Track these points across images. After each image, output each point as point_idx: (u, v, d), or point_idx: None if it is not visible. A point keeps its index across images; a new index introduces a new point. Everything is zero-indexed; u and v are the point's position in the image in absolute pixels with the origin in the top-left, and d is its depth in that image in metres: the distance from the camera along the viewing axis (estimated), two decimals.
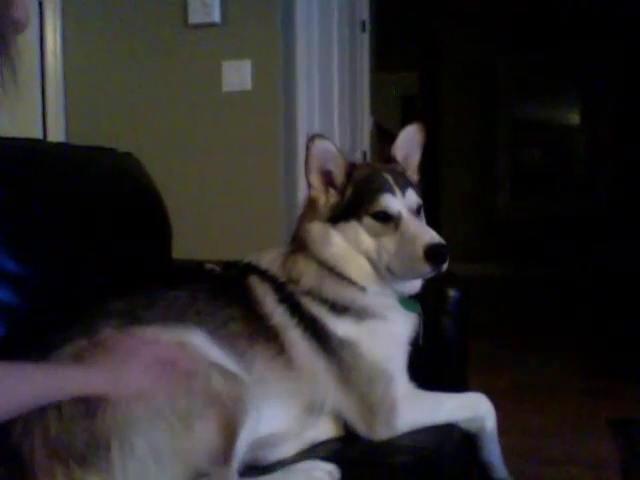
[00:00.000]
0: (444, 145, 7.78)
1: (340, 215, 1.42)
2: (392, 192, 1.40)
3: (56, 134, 3.47)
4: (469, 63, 7.90)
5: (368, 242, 1.40)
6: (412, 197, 1.43)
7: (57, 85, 3.49)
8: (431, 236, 1.34)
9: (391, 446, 1.36)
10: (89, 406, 1.05)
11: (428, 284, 1.50)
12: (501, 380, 3.49)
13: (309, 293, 1.41)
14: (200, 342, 1.21)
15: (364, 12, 4.35)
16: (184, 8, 3.29)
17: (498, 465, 1.53)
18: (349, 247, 1.41)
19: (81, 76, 3.51)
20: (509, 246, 7.57)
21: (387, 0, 5.15)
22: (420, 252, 1.32)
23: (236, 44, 3.26)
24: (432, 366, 1.58)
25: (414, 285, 1.48)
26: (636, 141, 7.11)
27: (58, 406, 1.04)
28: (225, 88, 3.28)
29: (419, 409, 1.42)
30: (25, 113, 3.49)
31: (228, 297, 1.40)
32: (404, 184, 1.44)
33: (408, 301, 1.48)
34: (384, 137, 5.90)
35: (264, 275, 1.45)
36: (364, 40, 4.36)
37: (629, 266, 6.48)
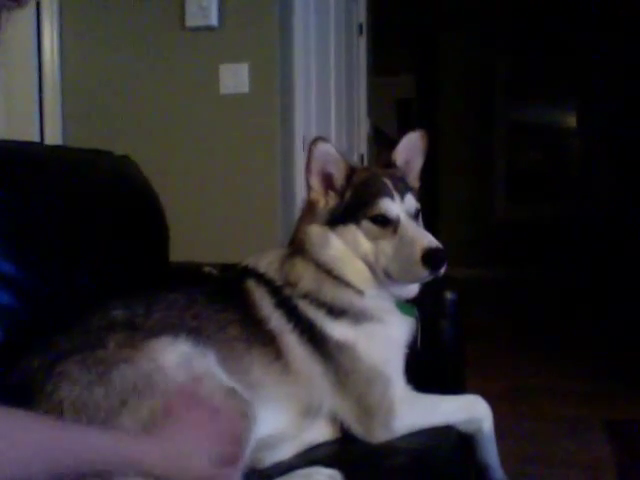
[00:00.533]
0: (441, 148, 7.79)
1: (339, 218, 1.42)
2: (391, 196, 1.41)
3: (53, 137, 3.47)
4: (466, 66, 7.93)
5: (366, 245, 1.40)
6: (411, 202, 1.44)
7: (54, 88, 3.48)
8: (429, 240, 1.34)
9: (388, 448, 1.36)
10: None
11: (425, 287, 1.50)
12: (498, 383, 3.50)
13: (306, 296, 1.41)
14: (215, 370, 1.20)
15: (361, 15, 4.36)
16: (182, 11, 3.29)
17: (495, 467, 1.53)
18: (347, 250, 1.41)
19: (78, 79, 3.50)
20: (506, 249, 7.58)
21: (384, 3, 5.16)
22: (418, 256, 1.33)
23: (233, 47, 3.26)
24: (429, 369, 1.58)
25: (411, 289, 1.48)
26: (633, 144, 7.13)
27: None
28: (222, 91, 3.28)
29: (416, 411, 1.42)
30: (22, 116, 3.49)
31: (225, 301, 1.40)
32: (403, 189, 1.44)
33: (405, 305, 1.48)
34: (381, 140, 5.91)
35: (261, 278, 1.45)
36: (361, 43, 4.37)
37: (626, 268, 6.49)
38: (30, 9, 3.44)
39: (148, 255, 1.80)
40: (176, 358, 1.16)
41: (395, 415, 1.37)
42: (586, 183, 7.66)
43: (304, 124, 3.44)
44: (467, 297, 1.76)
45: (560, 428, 2.94)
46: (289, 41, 3.32)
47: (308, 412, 1.37)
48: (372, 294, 1.43)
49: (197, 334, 1.28)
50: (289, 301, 1.41)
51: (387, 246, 1.39)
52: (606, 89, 7.37)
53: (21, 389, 1.13)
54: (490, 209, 7.96)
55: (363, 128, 4.41)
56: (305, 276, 1.42)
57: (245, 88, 3.25)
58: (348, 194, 1.43)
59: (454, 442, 1.45)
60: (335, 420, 1.40)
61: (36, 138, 3.44)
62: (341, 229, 1.42)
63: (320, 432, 1.40)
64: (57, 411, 1.07)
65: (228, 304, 1.39)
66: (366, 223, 1.40)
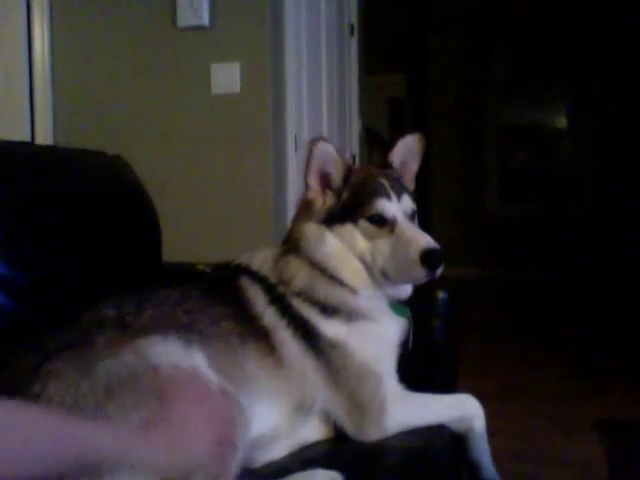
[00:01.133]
0: (432, 147, 7.81)
1: (335, 217, 1.43)
2: (388, 196, 1.42)
3: (44, 137, 3.46)
4: (458, 66, 7.94)
5: (363, 245, 1.41)
6: (407, 202, 1.46)
7: (45, 88, 3.47)
8: (427, 240, 1.36)
9: (381, 447, 1.36)
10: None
11: (417, 286, 1.51)
12: (490, 382, 3.51)
13: (300, 294, 1.41)
14: (201, 365, 1.20)
15: (352, 16, 4.36)
16: (173, 11, 3.29)
17: (487, 465, 1.53)
18: (343, 249, 1.42)
19: (69, 79, 3.49)
20: (498, 248, 7.61)
21: (375, 4, 5.16)
22: (416, 256, 1.34)
23: (225, 47, 3.26)
24: (422, 368, 1.58)
25: (405, 290, 1.50)
26: (623, 144, 7.16)
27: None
28: (214, 91, 3.28)
29: (408, 410, 1.42)
30: (13, 116, 3.48)
31: (219, 297, 1.40)
32: (400, 189, 1.46)
33: (398, 306, 1.49)
34: (372, 139, 5.92)
35: (255, 276, 1.45)
36: (352, 44, 4.38)
37: (616, 267, 6.52)
38: (20, 8, 3.43)
39: (141, 255, 1.79)
40: (163, 353, 1.17)
41: (387, 413, 1.38)
42: (577, 182, 7.69)
43: (296, 123, 3.44)
44: (459, 296, 1.77)
45: (552, 427, 2.95)
46: (280, 41, 3.32)
47: (301, 408, 1.37)
48: (366, 293, 1.43)
49: (189, 330, 1.28)
50: (283, 298, 1.41)
51: (384, 245, 1.40)
52: (597, 90, 7.39)
53: (10, 388, 1.13)
54: (481, 208, 7.98)
55: (355, 127, 4.41)
56: (299, 274, 1.43)
57: (236, 88, 3.25)
58: (345, 194, 1.44)
59: (446, 441, 1.46)
60: (328, 419, 1.40)
61: (27, 138, 3.43)
62: (338, 228, 1.43)
63: (313, 431, 1.41)
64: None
65: (221, 301, 1.39)
66: (363, 222, 1.41)
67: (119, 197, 1.78)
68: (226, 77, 3.25)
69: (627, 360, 4.01)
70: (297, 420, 1.37)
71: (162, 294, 1.37)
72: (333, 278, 1.42)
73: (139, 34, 3.38)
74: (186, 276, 1.62)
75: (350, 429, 1.38)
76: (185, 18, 3.26)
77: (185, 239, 2.93)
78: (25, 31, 3.46)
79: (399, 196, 1.44)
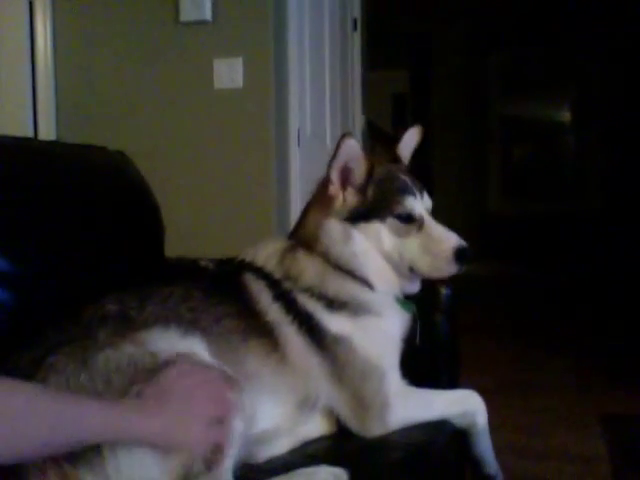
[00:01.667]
0: (434, 143, 7.79)
1: (360, 215, 1.43)
2: (414, 194, 1.44)
3: (47, 132, 3.46)
4: (461, 61, 7.92)
5: (390, 242, 1.42)
6: (427, 199, 1.49)
7: (48, 83, 3.48)
8: (457, 238, 1.41)
9: (383, 443, 1.36)
10: None
11: (421, 282, 1.51)
12: (492, 377, 3.50)
13: (307, 290, 1.41)
14: (200, 351, 1.21)
15: (355, 10, 4.35)
16: (175, 6, 3.29)
17: (489, 461, 1.53)
18: (370, 247, 1.43)
19: (72, 74, 3.49)
20: (499, 244, 7.59)
21: None
22: (450, 254, 1.39)
23: (227, 42, 3.26)
24: (424, 363, 1.58)
25: (417, 285, 1.50)
26: (626, 139, 7.14)
27: None
28: (217, 85, 3.28)
29: (411, 405, 1.42)
30: (16, 111, 3.48)
31: (222, 294, 1.39)
32: (420, 186, 1.49)
33: (404, 301, 1.49)
34: (375, 135, 5.90)
35: (259, 272, 1.44)
36: (355, 38, 4.37)
37: (619, 263, 6.51)
38: (23, 3, 3.43)
39: (143, 250, 1.79)
40: (160, 341, 1.17)
41: (389, 409, 1.38)
42: (580, 178, 7.67)
43: (299, 118, 3.43)
44: (461, 292, 1.77)
45: (554, 422, 2.95)
46: (283, 35, 3.32)
47: (304, 405, 1.37)
48: (383, 290, 1.44)
49: (192, 326, 1.28)
50: (288, 294, 1.41)
51: (413, 243, 1.42)
52: (601, 84, 7.38)
53: None
54: (483, 204, 7.96)
55: (357, 122, 4.41)
56: (308, 270, 1.43)
57: (239, 82, 3.25)
58: (370, 191, 1.43)
59: (449, 436, 1.46)
60: (331, 415, 1.40)
61: (30, 133, 3.43)
62: (364, 226, 1.42)
63: (316, 427, 1.41)
64: None
65: (225, 297, 1.39)
66: (391, 220, 1.42)
67: (121, 192, 1.78)
68: (229, 72, 3.25)
69: (631, 356, 4.00)
70: (300, 416, 1.37)
71: (165, 291, 1.37)
72: (346, 273, 1.42)
73: (141, 28, 3.38)
74: (189, 272, 1.62)
75: (353, 425, 1.38)
76: (188, 13, 3.26)
77: (187, 235, 2.93)
78: (27, 26, 3.46)
79: (422, 193, 1.47)
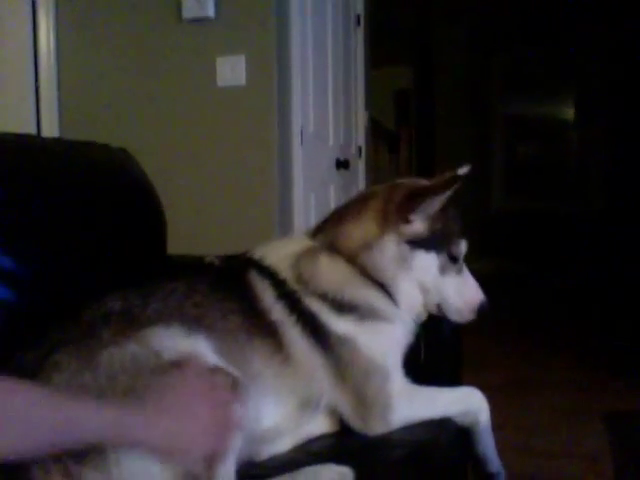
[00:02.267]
0: (438, 140, 7.79)
1: (422, 243, 1.43)
2: (466, 238, 1.49)
3: (50, 130, 3.46)
4: (464, 58, 7.90)
5: (434, 277, 1.45)
6: (466, 246, 1.51)
7: (51, 81, 3.48)
8: (481, 292, 1.50)
9: (386, 441, 1.36)
10: None
11: None
12: (495, 375, 3.51)
13: (318, 293, 1.39)
14: (204, 351, 1.21)
15: (359, 6, 4.35)
16: (178, 3, 3.29)
17: (492, 458, 1.53)
18: (414, 276, 1.44)
19: (75, 72, 3.50)
20: (503, 242, 7.59)
21: None
22: (476, 305, 1.49)
23: (230, 39, 3.26)
24: (427, 361, 1.58)
25: (425, 315, 1.52)
26: (629, 137, 7.13)
27: None
28: (219, 83, 3.28)
29: (413, 404, 1.42)
30: (19, 109, 3.49)
31: (227, 291, 1.39)
32: (464, 231, 1.52)
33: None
34: (379, 132, 5.91)
35: (265, 271, 1.43)
36: (359, 35, 4.36)
37: (622, 261, 6.50)
38: (26, 2, 3.44)
39: (146, 248, 1.80)
40: (164, 340, 1.17)
41: (392, 408, 1.37)
42: (583, 176, 7.66)
43: (301, 116, 3.43)
44: None
45: (558, 420, 2.95)
46: (286, 32, 3.31)
47: (307, 405, 1.37)
48: (405, 312, 1.46)
49: (197, 323, 1.27)
50: (293, 294, 1.40)
51: (452, 284, 1.47)
52: (604, 82, 7.36)
53: None
54: (487, 201, 7.96)
55: (361, 120, 4.40)
56: (329, 276, 1.41)
57: (242, 80, 3.25)
58: (439, 224, 1.44)
59: (451, 434, 1.46)
60: (334, 413, 1.40)
61: (33, 131, 3.44)
62: (421, 255, 1.43)
63: (318, 425, 1.41)
64: None
65: (230, 294, 1.38)
66: (444, 257, 1.45)
67: (124, 190, 1.78)
68: (232, 69, 3.25)
69: (634, 353, 4.00)
70: (303, 416, 1.37)
71: (168, 287, 1.36)
72: (374, 282, 1.43)
73: (144, 26, 3.38)
74: (194, 268, 1.61)
75: (355, 423, 1.38)
76: (190, 10, 3.26)
77: (189, 233, 2.94)
78: (30, 24, 3.46)
79: (465, 238, 1.50)
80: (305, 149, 3.43)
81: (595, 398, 3.21)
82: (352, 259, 1.43)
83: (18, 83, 3.50)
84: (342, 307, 1.39)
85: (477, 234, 7.66)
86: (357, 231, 1.46)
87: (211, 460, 1.07)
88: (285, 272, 1.42)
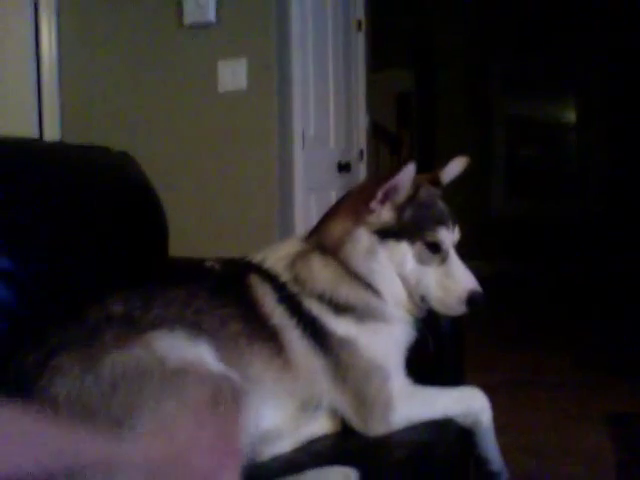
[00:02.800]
0: (439, 143, 7.79)
1: (391, 233, 1.41)
2: (447, 226, 1.43)
3: (52, 133, 3.47)
4: (465, 61, 7.90)
5: (412, 267, 1.41)
6: (457, 233, 1.48)
7: (52, 84, 3.49)
8: (474, 282, 1.41)
9: (387, 441, 1.36)
10: None
11: None
12: (497, 375, 3.51)
13: (316, 294, 1.40)
14: (207, 357, 1.21)
15: (359, 11, 4.35)
16: (179, 8, 3.30)
17: (494, 458, 1.53)
18: (391, 267, 1.42)
19: (76, 76, 3.51)
20: (504, 244, 7.58)
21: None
22: (463, 295, 1.39)
23: (231, 43, 3.27)
24: (429, 361, 1.58)
25: (424, 311, 1.50)
26: (630, 140, 7.12)
27: None
28: (220, 87, 3.29)
29: (414, 404, 1.42)
30: (21, 113, 3.50)
31: (228, 296, 1.39)
32: (454, 218, 1.48)
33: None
34: (380, 135, 5.91)
35: (265, 274, 1.44)
36: (359, 39, 4.36)
37: (624, 263, 6.50)
38: (28, 5, 3.45)
39: (147, 251, 1.80)
40: (168, 346, 1.17)
41: (393, 408, 1.38)
42: (584, 178, 7.65)
43: (302, 119, 3.43)
44: None
45: (559, 420, 2.95)
46: (287, 37, 3.32)
47: (308, 406, 1.37)
48: (393, 305, 1.44)
49: (199, 329, 1.28)
50: (293, 297, 1.40)
51: (433, 274, 1.41)
52: (605, 84, 7.35)
53: (16, 385, 1.14)
54: (487, 204, 7.95)
55: (362, 123, 4.40)
56: (321, 274, 1.42)
57: (243, 84, 3.25)
58: (409, 212, 1.42)
59: (453, 435, 1.46)
60: (334, 414, 1.40)
61: (35, 135, 3.45)
62: (392, 244, 1.41)
63: (319, 426, 1.41)
64: (53, 405, 1.08)
65: (230, 299, 1.38)
66: (420, 246, 1.41)
67: (126, 193, 1.79)
68: (233, 73, 3.25)
69: (635, 353, 3.99)
70: (303, 417, 1.37)
71: (170, 292, 1.37)
72: (361, 281, 1.42)
73: (146, 31, 3.39)
74: (194, 272, 1.62)
75: (357, 424, 1.38)
76: (191, 15, 3.27)
77: (190, 236, 2.94)
78: (32, 28, 3.47)
79: (454, 226, 1.46)
80: (306, 152, 3.43)
81: (595, 398, 3.21)
82: (336, 256, 1.44)
83: (20, 86, 3.51)
84: (339, 307, 1.40)
85: (477, 236, 7.67)
86: (337, 228, 1.48)
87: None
88: (284, 275, 1.43)
